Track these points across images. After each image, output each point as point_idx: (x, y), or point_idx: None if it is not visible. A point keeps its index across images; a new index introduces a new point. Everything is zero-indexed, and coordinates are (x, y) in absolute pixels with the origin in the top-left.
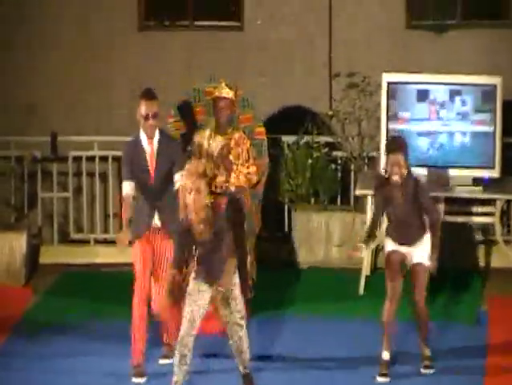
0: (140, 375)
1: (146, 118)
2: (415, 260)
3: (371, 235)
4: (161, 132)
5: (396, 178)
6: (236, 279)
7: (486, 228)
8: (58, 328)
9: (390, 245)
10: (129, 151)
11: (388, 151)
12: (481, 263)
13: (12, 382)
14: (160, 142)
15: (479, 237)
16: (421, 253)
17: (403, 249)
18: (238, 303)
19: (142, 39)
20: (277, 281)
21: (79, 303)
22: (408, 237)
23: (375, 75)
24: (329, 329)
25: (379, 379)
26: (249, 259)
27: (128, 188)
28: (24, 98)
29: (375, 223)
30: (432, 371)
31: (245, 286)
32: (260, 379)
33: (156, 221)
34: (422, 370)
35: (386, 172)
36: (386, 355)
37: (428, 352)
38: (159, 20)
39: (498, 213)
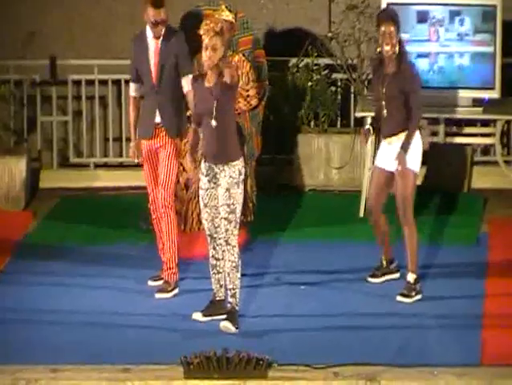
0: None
1: (154, 24)
2: (396, 166)
3: (377, 120)
4: (168, 29)
5: (387, 48)
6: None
7: (486, 149)
8: (58, 250)
9: (378, 153)
10: (134, 47)
11: (379, 22)
12: (481, 184)
13: (19, 296)
14: (164, 38)
15: (479, 158)
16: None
17: (390, 151)
18: (230, 198)
19: None
20: (277, 203)
21: (79, 227)
22: (392, 124)
23: None
24: (329, 251)
25: (369, 279)
26: (248, 182)
27: (131, 89)
28: (24, 23)
29: (377, 110)
30: (408, 301)
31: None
32: (257, 301)
33: (158, 119)
34: (397, 298)
35: (379, 48)
36: (380, 260)
37: (410, 278)
38: None
39: (498, 134)
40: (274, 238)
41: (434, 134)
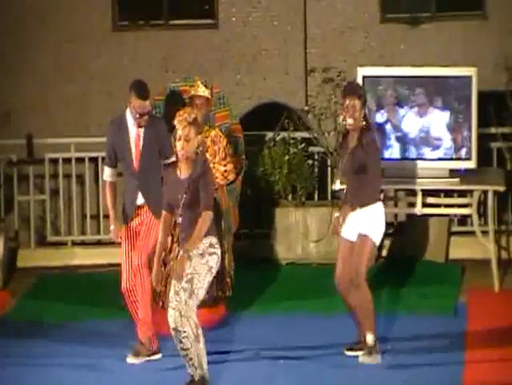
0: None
1: (141, 115)
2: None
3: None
4: (150, 116)
5: (349, 122)
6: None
7: (464, 220)
8: (36, 329)
9: (346, 224)
10: (112, 133)
11: (344, 95)
12: (459, 255)
13: (3, 378)
14: (147, 126)
15: (456, 228)
16: (365, 223)
17: (354, 221)
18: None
19: (117, 40)
20: (255, 278)
21: (58, 305)
22: (355, 199)
23: (351, 70)
24: (308, 325)
25: (346, 352)
26: (226, 257)
27: (106, 174)
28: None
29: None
30: (370, 360)
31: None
32: (236, 377)
33: (140, 201)
34: (359, 359)
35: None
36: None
37: (369, 339)
38: (133, 20)
39: (475, 204)
40: (253, 312)
41: (411, 205)
